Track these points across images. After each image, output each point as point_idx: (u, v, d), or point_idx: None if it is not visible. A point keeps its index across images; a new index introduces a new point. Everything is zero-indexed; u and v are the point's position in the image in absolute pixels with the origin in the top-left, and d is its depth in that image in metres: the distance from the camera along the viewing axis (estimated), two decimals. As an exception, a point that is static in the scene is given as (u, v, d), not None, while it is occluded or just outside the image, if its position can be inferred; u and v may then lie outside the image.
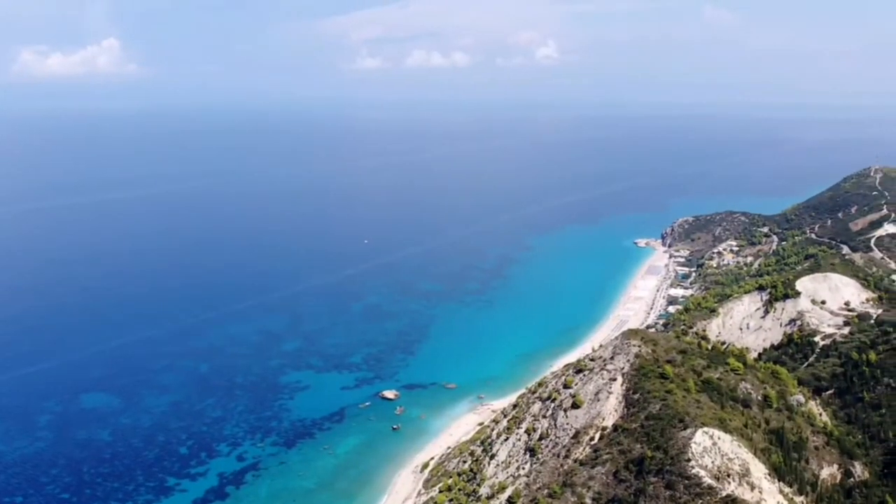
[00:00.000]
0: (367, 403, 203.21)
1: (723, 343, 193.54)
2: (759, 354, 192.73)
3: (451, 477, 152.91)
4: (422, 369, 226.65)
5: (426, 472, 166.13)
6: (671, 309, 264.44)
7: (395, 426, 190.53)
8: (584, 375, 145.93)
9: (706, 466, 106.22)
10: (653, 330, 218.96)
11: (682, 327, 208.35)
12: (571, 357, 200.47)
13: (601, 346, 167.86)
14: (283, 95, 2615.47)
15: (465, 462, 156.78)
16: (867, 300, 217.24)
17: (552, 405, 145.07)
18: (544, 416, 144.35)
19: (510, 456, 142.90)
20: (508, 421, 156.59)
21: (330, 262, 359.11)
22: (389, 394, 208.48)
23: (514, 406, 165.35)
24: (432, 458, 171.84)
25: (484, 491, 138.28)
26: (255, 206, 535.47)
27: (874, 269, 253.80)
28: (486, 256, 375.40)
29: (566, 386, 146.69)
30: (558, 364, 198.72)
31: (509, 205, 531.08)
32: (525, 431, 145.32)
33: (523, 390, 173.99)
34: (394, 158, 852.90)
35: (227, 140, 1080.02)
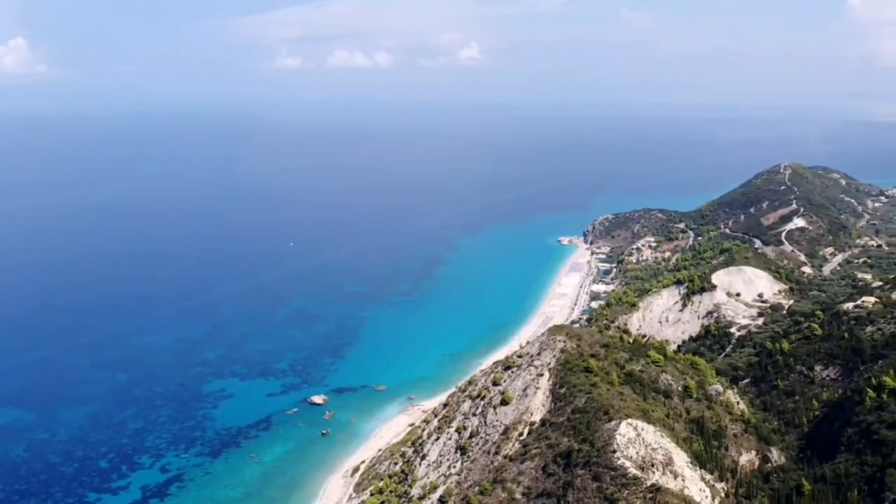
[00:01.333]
0: (295, 409, 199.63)
1: (643, 336, 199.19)
2: (679, 346, 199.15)
3: (382, 479, 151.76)
4: (351, 372, 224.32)
5: (357, 475, 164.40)
6: (594, 304, 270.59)
7: (324, 431, 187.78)
8: (513, 372, 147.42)
9: (631, 457, 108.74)
10: (577, 325, 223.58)
11: (605, 322, 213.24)
12: (500, 354, 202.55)
13: (528, 342, 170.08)
14: (200, 96, 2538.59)
15: (396, 464, 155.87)
16: (779, 291, 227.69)
17: (482, 403, 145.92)
18: (474, 414, 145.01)
19: (441, 455, 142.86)
20: (439, 420, 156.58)
21: (253, 266, 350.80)
22: (318, 398, 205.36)
23: (445, 405, 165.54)
24: (363, 462, 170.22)
25: (415, 492, 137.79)
26: (172, 211, 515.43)
27: (785, 261, 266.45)
28: (414, 257, 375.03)
29: (495, 383, 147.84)
30: (487, 362, 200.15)
31: (436, 205, 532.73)
32: (455, 430, 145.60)
33: (453, 389, 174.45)
34: (317, 160, 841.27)
35: (141, 143, 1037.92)
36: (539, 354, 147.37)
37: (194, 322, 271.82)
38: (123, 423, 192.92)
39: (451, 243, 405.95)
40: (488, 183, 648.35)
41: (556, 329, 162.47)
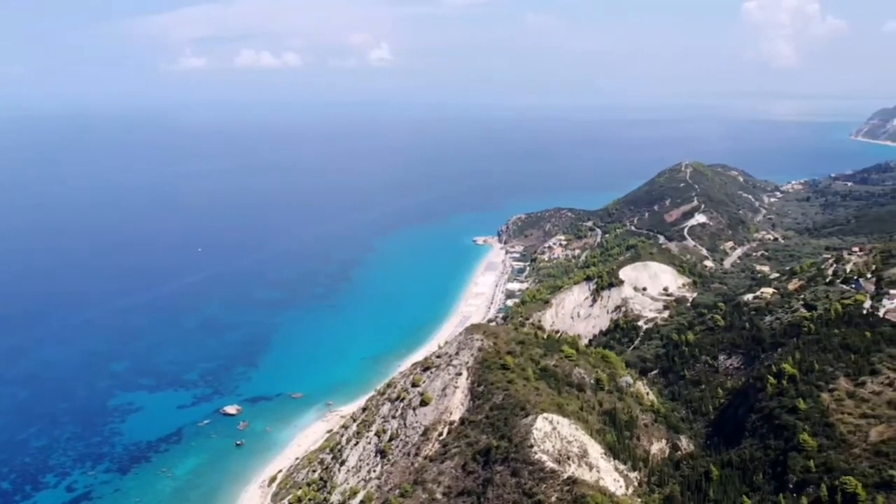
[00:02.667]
0: (207, 421, 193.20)
1: (557, 332, 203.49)
2: (590, 340, 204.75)
3: (300, 488, 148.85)
4: (266, 381, 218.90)
5: (274, 485, 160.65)
6: (509, 302, 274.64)
7: (238, 442, 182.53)
8: (432, 372, 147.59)
9: (548, 451, 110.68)
10: (494, 323, 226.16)
11: (520, 319, 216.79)
12: (419, 355, 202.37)
13: (447, 342, 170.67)
14: (96, 98, 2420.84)
15: (314, 471, 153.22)
16: (683, 285, 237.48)
17: (401, 405, 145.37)
18: (394, 417, 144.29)
19: (361, 460, 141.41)
20: (358, 425, 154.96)
21: (159, 275, 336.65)
22: (231, 409, 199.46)
23: (364, 409, 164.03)
24: (280, 472, 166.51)
25: (335, 498, 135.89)
26: (67, 218, 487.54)
27: (688, 255, 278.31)
28: (329, 260, 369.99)
29: (414, 384, 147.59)
30: (406, 363, 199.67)
31: (350, 207, 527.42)
32: (375, 434, 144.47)
33: (372, 393, 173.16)
34: (225, 162, 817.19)
35: (31, 148, 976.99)
36: (457, 354, 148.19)
37: (98, 334, 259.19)
38: (26, 441, 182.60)
39: (367, 245, 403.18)
40: (402, 184, 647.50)
41: (473, 328, 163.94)
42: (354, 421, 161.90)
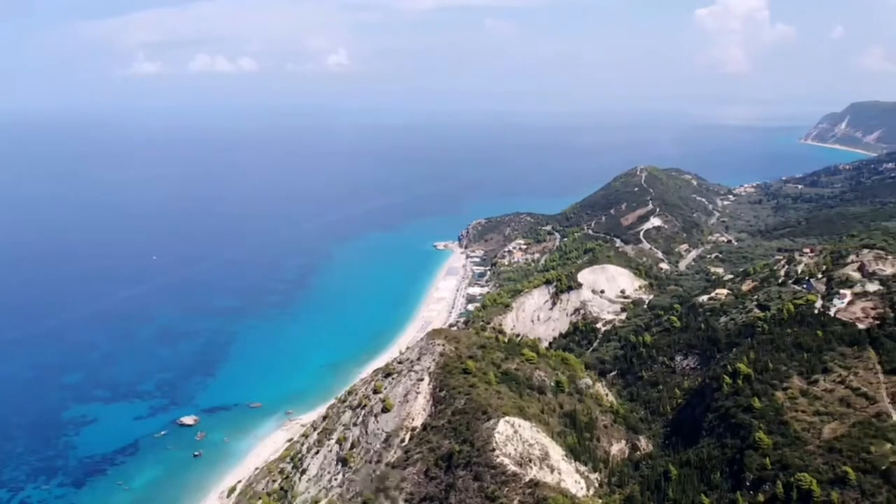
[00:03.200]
0: (164, 432, 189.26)
1: (517, 335, 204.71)
2: (550, 343, 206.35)
3: (260, 498, 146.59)
4: (223, 391, 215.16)
5: (233, 496, 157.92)
6: (470, 307, 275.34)
7: (196, 453, 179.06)
8: (393, 378, 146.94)
9: (510, 454, 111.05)
10: (455, 328, 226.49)
11: (481, 323, 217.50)
12: (380, 361, 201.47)
13: (408, 347, 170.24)
14: (45, 104, 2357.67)
15: (274, 481, 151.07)
16: (640, 287, 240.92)
17: (363, 412, 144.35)
18: (355, 424, 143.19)
19: (322, 469, 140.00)
20: (318, 434, 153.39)
21: (112, 284, 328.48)
22: (188, 419, 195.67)
23: (325, 418, 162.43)
24: (239, 482, 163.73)
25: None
26: (9, 227, 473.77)
27: (644, 258, 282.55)
28: (287, 267, 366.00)
29: (376, 391, 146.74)
30: (367, 370, 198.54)
31: (307, 213, 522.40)
32: (336, 442, 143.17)
33: (333, 401, 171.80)
34: (180, 168, 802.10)
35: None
36: (419, 359, 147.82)
37: (49, 346, 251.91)
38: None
39: (326, 251, 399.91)
40: (360, 189, 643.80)
41: (434, 333, 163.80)
42: (315, 429, 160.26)
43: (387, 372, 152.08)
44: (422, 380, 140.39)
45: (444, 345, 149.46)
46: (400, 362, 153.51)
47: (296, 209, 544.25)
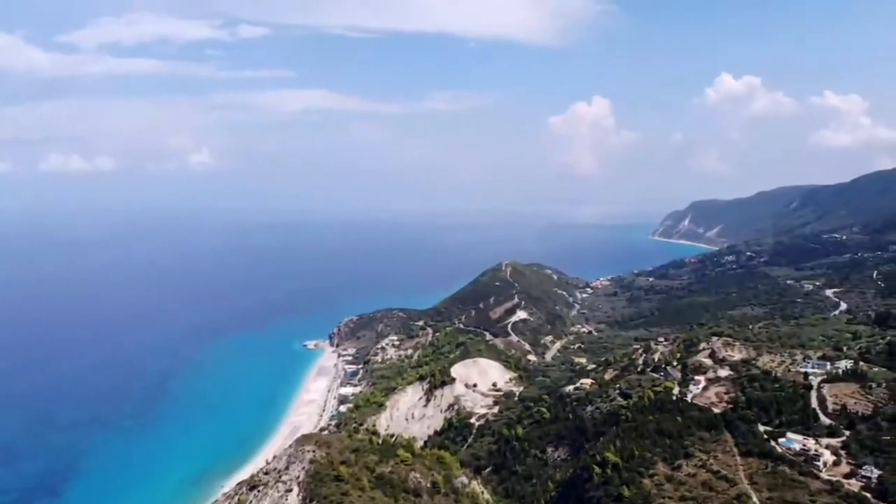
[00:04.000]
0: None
1: (392, 435, 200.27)
2: (426, 442, 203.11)
3: None
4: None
5: None
6: (343, 408, 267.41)
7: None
8: (259, 491, 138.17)
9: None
10: (326, 432, 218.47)
11: (354, 425, 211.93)
12: (245, 473, 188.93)
13: (275, 456, 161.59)
14: None
15: None
16: (510, 379, 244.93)
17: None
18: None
19: None
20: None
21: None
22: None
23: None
24: None
25: None
26: None
27: (513, 351, 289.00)
28: (144, 373, 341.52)
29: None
30: (231, 483, 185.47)
31: (166, 315, 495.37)
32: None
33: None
34: (23, 271, 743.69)
35: None
36: (287, 468, 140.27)
37: None
38: None
39: (188, 354, 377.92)
40: (226, 288, 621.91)
41: (304, 439, 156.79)
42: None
43: (252, 484, 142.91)
44: (290, 490, 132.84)
45: (314, 451, 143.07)
46: (266, 473, 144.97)
47: (155, 310, 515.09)
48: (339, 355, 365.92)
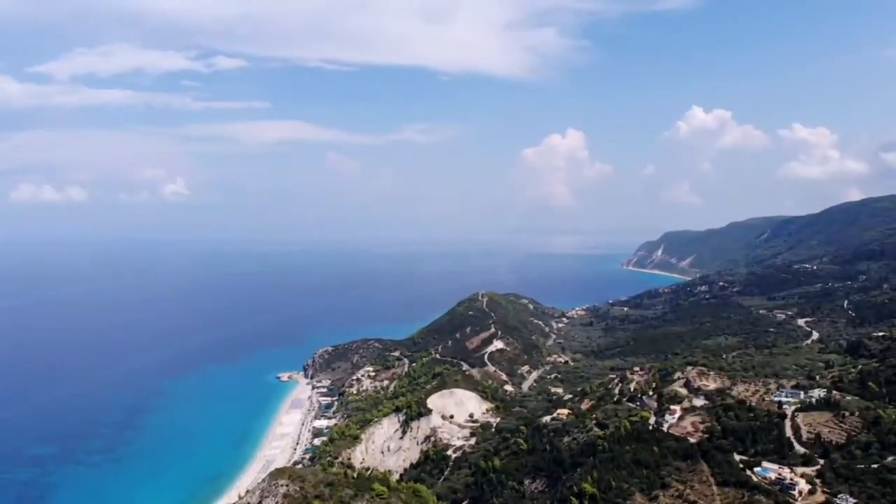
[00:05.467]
0: None
1: (367, 469, 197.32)
2: (401, 475, 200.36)
3: None
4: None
5: None
6: (317, 441, 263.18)
7: None
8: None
9: None
10: (300, 466, 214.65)
11: (329, 459, 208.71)
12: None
13: (248, 491, 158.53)
14: None
15: None
16: (487, 410, 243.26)
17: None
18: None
19: None
20: None
21: None
22: None
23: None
24: None
25: None
26: None
27: (489, 381, 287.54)
28: (114, 408, 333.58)
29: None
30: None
31: (139, 348, 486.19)
32: None
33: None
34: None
35: None
36: (260, 503, 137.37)
37: None
38: None
39: (158, 388, 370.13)
40: (198, 321, 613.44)
41: (277, 473, 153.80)
42: None
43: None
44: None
45: (287, 485, 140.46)
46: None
47: (126, 343, 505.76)
48: (314, 387, 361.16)
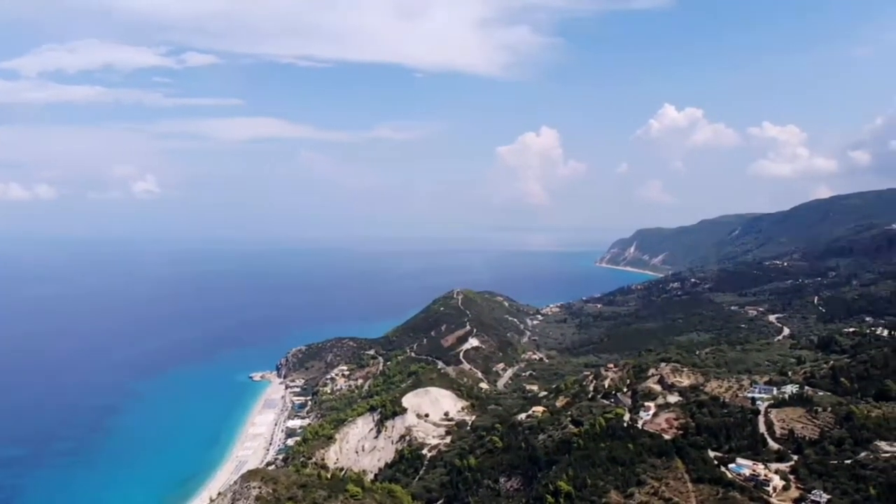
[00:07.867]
0: None
1: (341, 469, 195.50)
2: (376, 475, 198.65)
3: None
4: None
5: None
6: (290, 441, 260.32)
7: None
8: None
9: None
10: (273, 467, 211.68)
11: (302, 459, 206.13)
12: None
13: (220, 493, 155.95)
14: None
15: None
16: (462, 408, 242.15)
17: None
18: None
19: None
20: None
21: None
22: None
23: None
24: None
25: None
26: None
27: (465, 379, 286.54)
28: (81, 409, 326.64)
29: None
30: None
31: (108, 348, 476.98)
32: None
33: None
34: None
35: None
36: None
37: None
38: None
39: (127, 389, 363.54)
40: (168, 319, 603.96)
41: (249, 475, 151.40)
42: None
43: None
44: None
45: (260, 487, 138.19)
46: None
47: (95, 343, 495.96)
48: (287, 387, 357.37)
